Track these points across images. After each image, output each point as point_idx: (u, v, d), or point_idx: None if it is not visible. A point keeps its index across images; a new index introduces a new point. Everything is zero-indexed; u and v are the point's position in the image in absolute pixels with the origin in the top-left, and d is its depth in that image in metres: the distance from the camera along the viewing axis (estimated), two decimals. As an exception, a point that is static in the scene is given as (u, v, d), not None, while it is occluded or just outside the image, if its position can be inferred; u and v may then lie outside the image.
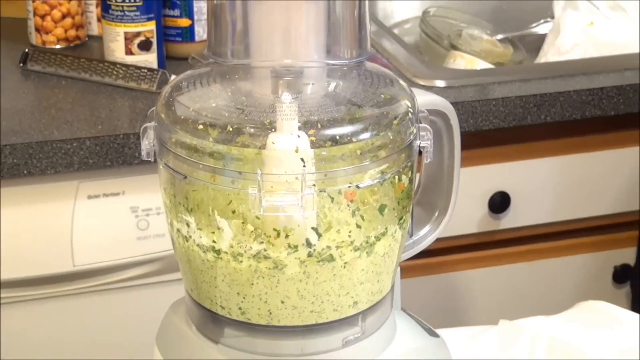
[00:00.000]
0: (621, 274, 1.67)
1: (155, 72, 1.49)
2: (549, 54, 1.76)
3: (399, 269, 0.85)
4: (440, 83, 1.54)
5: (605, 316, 1.09)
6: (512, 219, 1.54)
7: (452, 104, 1.44)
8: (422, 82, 1.53)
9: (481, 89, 1.50)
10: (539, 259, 1.59)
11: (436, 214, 0.90)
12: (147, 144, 0.76)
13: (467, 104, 1.45)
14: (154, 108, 0.77)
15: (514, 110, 1.47)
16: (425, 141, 0.77)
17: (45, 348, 1.42)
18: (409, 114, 0.76)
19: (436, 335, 0.88)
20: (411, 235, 0.89)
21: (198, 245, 0.75)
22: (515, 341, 1.04)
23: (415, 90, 0.81)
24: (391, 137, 0.74)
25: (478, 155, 1.50)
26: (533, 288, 1.59)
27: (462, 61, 1.74)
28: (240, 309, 0.77)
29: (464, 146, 1.49)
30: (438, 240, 1.50)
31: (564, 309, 1.10)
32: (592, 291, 1.49)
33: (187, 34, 1.61)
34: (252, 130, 0.71)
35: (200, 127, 0.72)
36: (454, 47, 1.81)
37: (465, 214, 1.51)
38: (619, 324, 1.07)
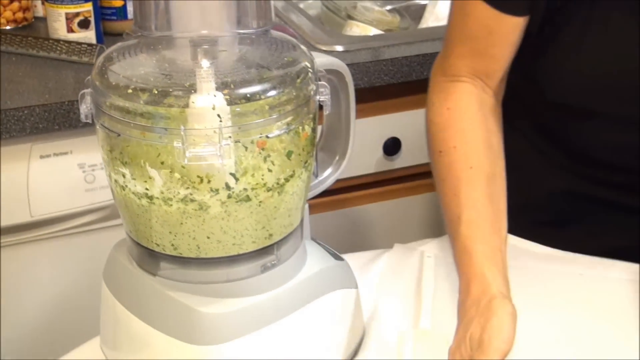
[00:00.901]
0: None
1: (94, 46, 1.48)
2: (429, 21, 1.77)
3: (307, 205, 0.85)
4: (339, 48, 1.53)
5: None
6: (403, 160, 1.55)
7: (349, 65, 1.44)
8: (324, 48, 1.53)
9: (373, 52, 1.50)
10: (427, 192, 1.60)
11: (337, 158, 0.91)
12: (85, 107, 0.74)
13: (362, 65, 1.45)
14: (89, 77, 0.76)
15: (401, 69, 1.47)
16: (324, 96, 0.78)
17: (11, 290, 1.40)
18: (309, 73, 0.76)
19: (341, 259, 0.89)
20: (316, 176, 0.89)
21: (133, 193, 0.74)
22: (407, 260, 1.05)
23: (315, 54, 0.81)
24: (294, 94, 0.74)
25: (373, 107, 1.51)
26: (423, 216, 1.61)
27: (357, 29, 1.73)
28: (172, 245, 0.76)
29: (361, 100, 1.49)
30: (341, 180, 1.51)
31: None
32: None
33: (121, 12, 1.58)
34: (175, 92, 0.71)
35: (131, 91, 0.71)
36: (350, 18, 1.81)
37: (363, 157, 1.52)
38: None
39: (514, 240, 1.04)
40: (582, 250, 1.06)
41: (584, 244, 1.06)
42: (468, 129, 0.91)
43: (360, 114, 1.49)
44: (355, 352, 0.90)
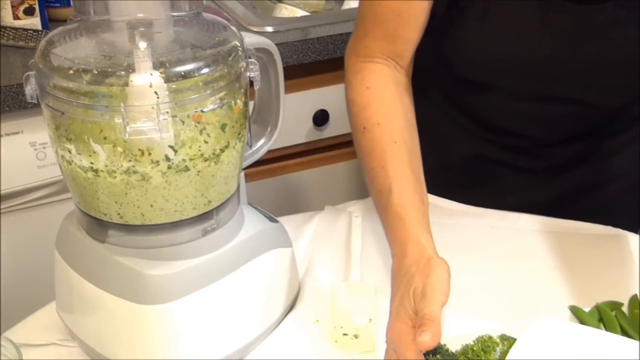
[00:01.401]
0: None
1: (40, 32, 1.44)
2: (351, 3, 1.76)
3: (243, 173, 0.85)
4: (270, 29, 1.51)
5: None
6: (331, 130, 1.55)
7: (279, 44, 1.43)
8: (255, 29, 1.51)
9: (301, 32, 1.48)
10: (354, 158, 1.60)
11: (269, 129, 0.90)
12: (30, 89, 0.73)
13: (291, 44, 1.44)
14: (32, 60, 0.74)
15: (326, 47, 1.46)
16: (254, 72, 0.77)
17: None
18: (239, 52, 0.75)
19: (276, 221, 0.89)
20: (250, 146, 0.89)
21: (79, 167, 0.73)
22: (337, 220, 1.06)
23: (245, 34, 0.80)
24: (226, 71, 0.73)
25: (302, 83, 1.50)
26: (351, 180, 1.62)
27: (286, 11, 1.72)
28: (118, 214, 0.75)
29: (291, 76, 1.49)
30: (275, 150, 1.51)
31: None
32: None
33: (65, 0, 1.55)
34: (115, 72, 0.69)
35: (72, 72, 0.70)
36: (280, 0, 1.79)
37: (295, 128, 1.51)
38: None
39: (432, 199, 1.05)
40: (492, 207, 1.08)
41: (493, 201, 1.09)
42: (388, 106, 0.91)
43: (290, 89, 1.50)
44: (293, 304, 0.91)
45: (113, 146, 0.70)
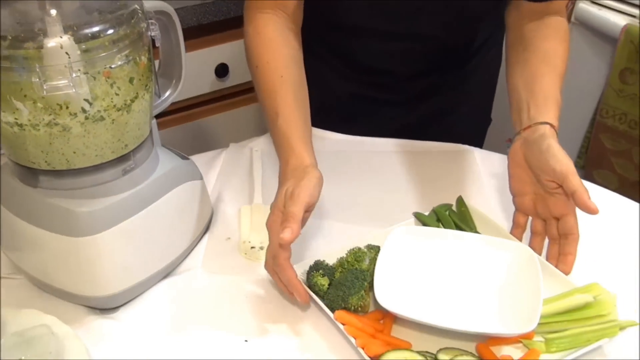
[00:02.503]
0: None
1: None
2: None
3: (155, 120, 0.82)
4: (172, -4, 1.46)
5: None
6: (232, 80, 1.52)
7: (180, 8, 1.38)
8: (159, -3, 1.45)
9: (199, -3, 1.44)
10: (252, 103, 1.58)
11: (174, 82, 0.87)
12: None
13: (190, 8, 1.38)
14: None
15: (221, 8, 1.42)
16: (154, 32, 0.74)
17: None
18: (140, 14, 0.72)
19: (187, 159, 0.87)
20: (159, 97, 0.86)
21: (6, 123, 0.68)
22: (240, 155, 1.05)
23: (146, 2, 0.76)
24: (129, 31, 0.70)
25: (204, 41, 1.45)
26: (251, 121, 1.59)
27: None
28: (46, 162, 0.71)
29: (194, 36, 1.44)
30: (185, 100, 1.47)
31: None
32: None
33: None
34: (29, 37, 0.65)
35: (-9, 39, 0.65)
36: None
37: (200, 80, 1.47)
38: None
39: (316, 131, 1.06)
40: (369, 135, 1.09)
41: (369, 129, 1.10)
42: (276, 47, 0.90)
43: (193, 46, 1.45)
44: (208, 226, 0.90)
45: (34, 103, 0.66)
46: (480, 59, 1.11)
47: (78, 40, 0.65)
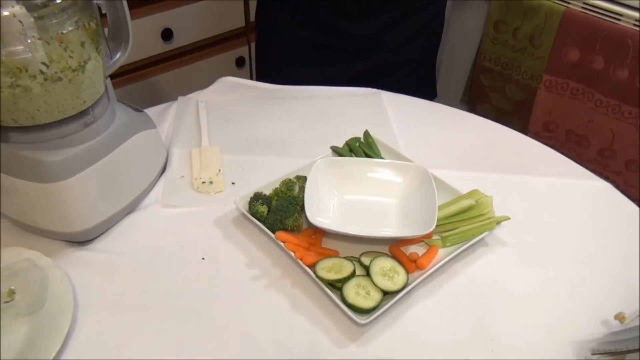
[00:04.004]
0: (239, 63, 1.62)
1: None
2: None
3: (109, 79, 0.77)
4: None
5: (231, 83, 1.07)
6: (176, 43, 1.45)
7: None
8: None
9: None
10: (199, 60, 1.51)
11: (123, 44, 0.81)
12: None
13: (136, -22, 1.30)
14: None
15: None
16: (99, 1, 0.68)
17: None
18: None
19: (141, 111, 0.82)
20: (111, 58, 0.80)
21: (-29, 87, 0.62)
22: (188, 106, 1.01)
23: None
24: (76, -1, 0.63)
25: (151, 8, 1.37)
26: (195, 77, 1.53)
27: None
28: (13, 119, 0.66)
29: (140, 4, 1.35)
30: (137, 61, 1.39)
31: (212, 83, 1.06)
32: (228, 73, 1.42)
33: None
34: (-16, 8, 0.58)
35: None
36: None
37: (148, 43, 1.39)
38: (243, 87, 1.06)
39: (252, 82, 1.02)
40: (325, 77, 1.09)
41: (324, 72, 1.10)
42: None
43: (140, 14, 1.36)
44: (164, 167, 0.87)
45: (-5, 67, 0.60)
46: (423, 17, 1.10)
47: (30, 8, 0.59)
